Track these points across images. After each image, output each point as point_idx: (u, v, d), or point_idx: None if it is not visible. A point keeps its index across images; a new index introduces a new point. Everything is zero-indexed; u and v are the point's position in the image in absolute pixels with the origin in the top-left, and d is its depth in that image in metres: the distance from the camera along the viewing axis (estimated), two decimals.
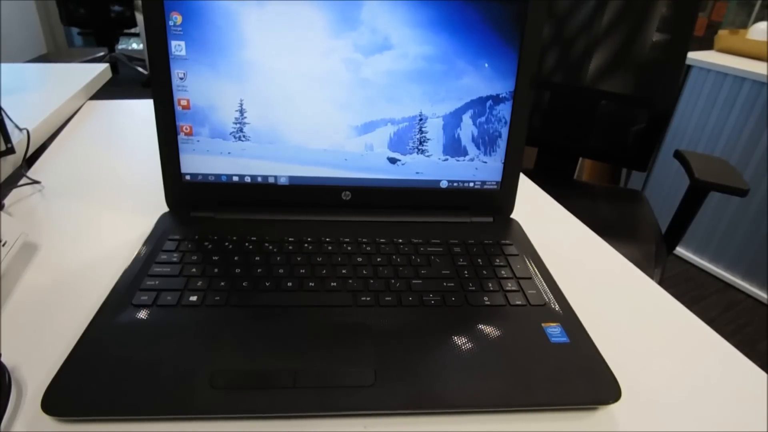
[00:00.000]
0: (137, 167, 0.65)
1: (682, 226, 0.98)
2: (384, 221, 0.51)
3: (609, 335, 0.40)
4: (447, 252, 0.47)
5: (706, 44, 1.85)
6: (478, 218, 0.53)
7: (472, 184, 0.53)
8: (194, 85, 0.47)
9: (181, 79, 0.47)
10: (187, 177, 0.50)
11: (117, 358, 0.32)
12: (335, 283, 0.41)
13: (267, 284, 0.40)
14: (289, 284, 0.40)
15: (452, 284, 0.42)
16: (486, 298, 0.41)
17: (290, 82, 0.47)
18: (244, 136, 0.49)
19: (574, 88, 1.14)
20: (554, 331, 0.37)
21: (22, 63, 1.00)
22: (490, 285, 0.42)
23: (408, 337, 0.36)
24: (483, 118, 0.50)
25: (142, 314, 0.36)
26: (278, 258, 0.44)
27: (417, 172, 0.52)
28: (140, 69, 3.55)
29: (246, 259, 0.43)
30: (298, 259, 0.44)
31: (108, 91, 0.98)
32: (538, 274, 0.44)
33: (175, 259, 0.43)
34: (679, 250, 1.82)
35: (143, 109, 0.88)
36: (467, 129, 0.51)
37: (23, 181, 0.58)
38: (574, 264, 0.50)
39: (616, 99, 1.12)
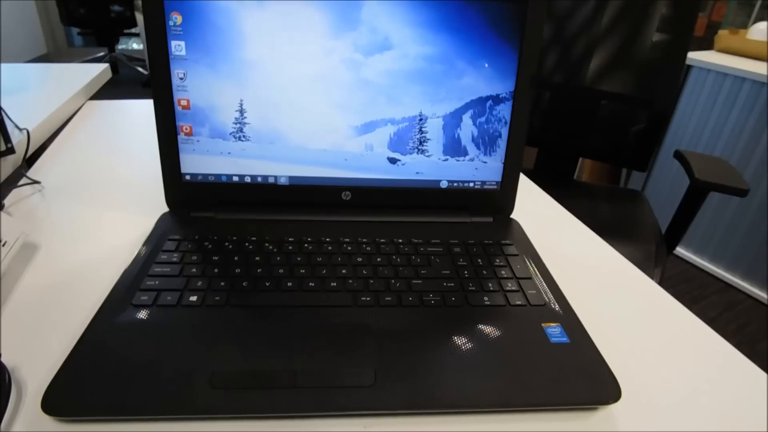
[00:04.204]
0: (137, 167, 0.65)
1: (682, 226, 0.98)
2: (384, 221, 0.51)
3: (609, 335, 0.40)
4: (447, 252, 0.47)
5: (706, 44, 1.85)
6: (478, 218, 0.53)
7: (472, 184, 0.53)
8: (194, 85, 0.47)
9: (181, 79, 0.47)
10: (187, 177, 0.50)
11: (117, 358, 0.32)
12: (335, 283, 0.41)
13: (267, 284, 0.40)
14: (289, 284, 0.40)
15: (452, 284, 0.42)
16: (486, 298, 0.41)
17: (290, 82, 0.47)
18: (244, 136, 0.49)
19: (574, 88, 1.14)
20: (554, 331, 0.37)
21: (22, 63, 1.00)
22: (490, 285, 0.42)
23: (408, 337, 0.36)
24: (483, 118, 0.50)
25: (142, 314, 0.36)
26: (278, 258, 0.44)
27: (417, 172, 0.52)
28: (140, 69, 3.55)
29: (246, 259, 0.43)
30: (298, 259, 0.44)
31: (108, 91, 0.98)
32: (538, 274, 0.44)
33: (175, 259, 0.43)
34: (679, 250, 1.82)
35: (143, 109, 0.88)
36: (467, 129, 0.51)
37: (23, 181, 0.58)
38: (574, 264, 0.50)
39: (616, 99, 1.12)
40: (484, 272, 0.44)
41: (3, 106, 0.64)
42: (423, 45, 0.47)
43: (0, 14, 3.13)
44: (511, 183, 0.53)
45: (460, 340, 0.36)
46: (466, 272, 0.44)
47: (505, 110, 0.50)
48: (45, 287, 0.41)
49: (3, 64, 0.95)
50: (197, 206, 0.51)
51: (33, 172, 0.62)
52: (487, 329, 0.37)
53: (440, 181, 0.52)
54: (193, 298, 0.38)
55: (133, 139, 0.74)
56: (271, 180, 0.51)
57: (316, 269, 0.42)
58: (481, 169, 0.52)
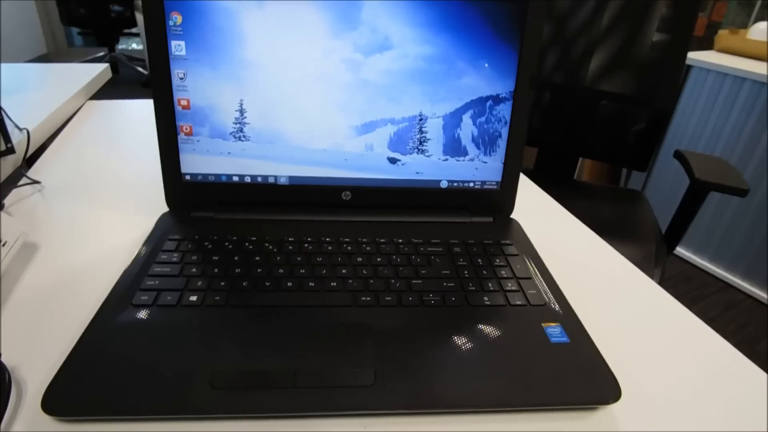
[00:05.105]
0: (137, 167, 0.65)
1: (682, 226, 0.98)
2: (384, 221, 0.51)
3: (609, 335, 0.40)
4: (447, 252, 0.46)
5: (706, 44, 1.85)
6: (478, 218, 0.53)
7: (472, 184, 0.53)
8: (194, 85, 0.47)
9: (181, 79, 0.47)
10: (187, 177, 0.50)
11: (117, 358, 0.32)
12: (335, 283, 0.41)
13: (267, 284, 0.40)
14: (289, 284, 0.40)
15: (452, 284, 0.42)
16: (486, 298, 0.41)
17: (290, 82, 0.47)
18: (244, 136, 0.49)
19: (574, 88, 1.14)
20: (554, 331, 0.37)
21: (22, 63, 1.00)
22: (490, 285, 0.42)
23: (408, 337, 0.36)
24: (483, 118, 0.50)
25: (142, 314, 0.36)
26: (278, 258, 0.44)
27: (417, 172, 0.52)
28: (140, 69, 3.55)
29: (246, 259, 0.43)
30: (298, 259, 0.44)
31: (108, 91, 0.98)
32: (538, 274, 0.44)
33: (175, 259, 0.43)
34: (679, 250, 1.82)
35: (143, 109, 0.88)
36: (467, 129, 0.51)
37: (23, 181, 0.58)
38: (574, 264, 0.50)
39: (616, 99, 1.12)
40: (484, 272, 0.44)
41: (3, 106, 0.64)
42: (423, 45, 0.47)
43: (0, 14, 3.13)
44: (511, 183, 0.53)
45: (460, 340, 0.36)
46: (466, 272, 0.44)
47: (505, 110, 0.50)
48: (45, 287, 0.41)
49: (3, 64, 0.95)
50: (197, 206, 0.51)
51: (33, 172, 0.62)
52: (487, 329, 0.37)
53: (440, 181, 0.52)
54: (193, 298, 0.38)
55: (133, 139, 0.74)
56: (271, 180, 0.51)
57: (316, 269, 0.42)
58: (481, 169, 0.52)
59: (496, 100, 0.50)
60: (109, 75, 1.03)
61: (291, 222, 0.50)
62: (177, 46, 0.46)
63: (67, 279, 0.42)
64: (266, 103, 0.48)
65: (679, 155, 0.99)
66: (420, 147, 0.51)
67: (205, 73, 0.47)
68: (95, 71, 0.97)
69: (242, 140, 0.49)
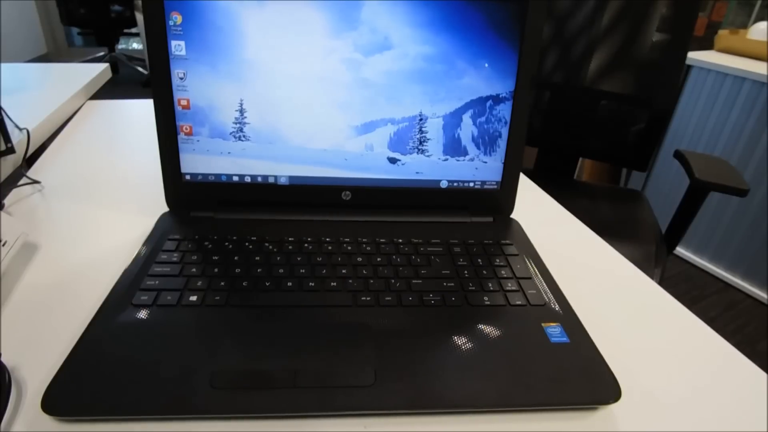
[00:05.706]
0: (137, 167, 0.65)
1: (682, 226, 0.98)
2: (384, 221, 0.51)
3: (609, 335, 0.40)
4: (447, 252, 0.46)
5: (706, 44, 1.85)
6: (478, 218, 0.53)
7: (472, 184, 0.53)
8: (194, 85, 0.47)
9: (181, 79, 0.47)
10: (187, 177, 0.50)
11: (117, 358, 0.32)
12: (335, 283, 0.41)
13: (267, 284, 0.40)
14: (289, 284, 0.40)
15: (452, 284, 0.42)
16: (486, 298, 0.41)
17: (290, 82, 0.47)
18: (244, 136, 0.49)
19: (574, 88, 1.14)
20: (554, 331, 0.37)
21: (22, 63, 1.00)
22: (490, 285, 0.42)
23: (408, 337, 0.36)
24: (483, 118, 0.50)
25: (142, 314, 0.36)
26: (278, 258, 0.44)
27: (417, 172, 0.52)
28: (140, 69, 3.55)
29: (246, 259, 0.43)
30: (298, 259, 0.44)
31: (108, 91, 0.98)
32: (538, 274, 0.44)
33: (175, 259, 0.43)
34: (679, 250, 1.82)
35: (143, 109, 0.88)
36: (467, 129, 0.51)
37: (23, 181, 0.58)
38: (574, 264, 0.50)
39: (616, 99, 1.12)
40: (484, 272, 0.44)
41: (3, 106, 0.64)
42: (423, 45, 0.47)
43: (0, 14, 3.13)
44: (511, 183, 0.53)
45: (460, 340, 0.36)
46: (466, 272, 0.44)
47: (505, 110, 0.50)
48: (45, 287, 0.41)
49: (3, 64, 0.95)
50: (197, 206, 0.51)
51: (33, 172, 0.62)
52: (487, 329, 0.37)
53: (440, 181, 0.52)
54: (193, 298, 0.38)
55: (133, 139, 0.74)
56: (271, 180, 0.51)
57: (316, 269, 0.42)
58: (481, 169, 0.52)
59: (496, 100, 0.50)
60: (109, 75, 1.03)
61: (291, 222, 0.50)
62: (177, 46, 0.46)
63: (67, 279, 0.42)
64: (266, 103, 0.48)
65: (679, 155, 0.99)
66: (420, 147, 0.51)
67: (205, 73, 0.47)
68: (95, 71, 0.97)
69: (242, 140, 0.49)
